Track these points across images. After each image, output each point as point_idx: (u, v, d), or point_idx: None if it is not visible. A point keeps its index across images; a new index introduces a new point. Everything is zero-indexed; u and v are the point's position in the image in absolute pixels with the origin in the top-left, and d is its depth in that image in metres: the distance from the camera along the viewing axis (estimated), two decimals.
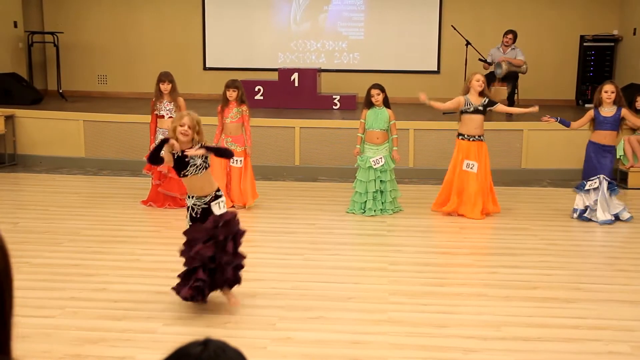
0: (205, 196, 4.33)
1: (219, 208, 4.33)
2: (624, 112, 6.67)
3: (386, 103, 6.95)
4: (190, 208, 4.36)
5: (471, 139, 6.83)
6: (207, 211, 4.31)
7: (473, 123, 6.82)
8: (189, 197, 4.39)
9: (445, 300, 4.69)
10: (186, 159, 4.28)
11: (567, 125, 6.95)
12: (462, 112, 6.87)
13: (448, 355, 3.84)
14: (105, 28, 12.27)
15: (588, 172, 6.77)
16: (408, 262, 5.52)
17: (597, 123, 6.73)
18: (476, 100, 6.83)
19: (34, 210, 7.00)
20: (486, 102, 6.84)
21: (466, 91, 6.90)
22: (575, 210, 6.86)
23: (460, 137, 6.91)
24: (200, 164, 4.31)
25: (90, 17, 12.27)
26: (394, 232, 6.48)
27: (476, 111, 6.82)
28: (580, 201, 6.84)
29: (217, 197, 4.36)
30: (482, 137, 6.88)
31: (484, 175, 6.86)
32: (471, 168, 6.81)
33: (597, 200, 6.69)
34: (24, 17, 11.66)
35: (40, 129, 9.53)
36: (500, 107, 7.06)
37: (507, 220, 6.83)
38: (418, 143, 8.99)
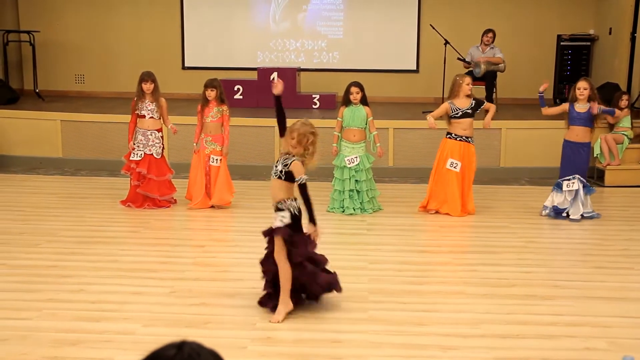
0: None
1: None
2: (591, 104, 6.64)
3: (364, 101, 6.97)
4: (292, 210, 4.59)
5: (458, 139, 6.87)
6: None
7: (461, 125, 6.85)
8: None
9: (424, 298, 4.71)
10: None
11: (542, 105, 6.92)
12: (450, 117, 6.89)
13: (427, 353, 3.86)
14: (82, 27, 12.15)
15: (564, 171, 6.83)
16: (388, 260, 5.54)
17: (571, 118, 6.78)
18: (463, 104, 6.84)
19: (10, 211, 6.92)
20: (473, 104, 6.87)
21: (455, 95, 6.86)
22: (545, 207, 6.95)
23: (447, 136, 6.94)
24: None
25: (67, 15, 12.13)
26: (373, 230, 6.50)
27: (465, 115, 6.84)
28: (550, 200, 6.93)
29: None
30: (470, 139, 6.90)
31: (465, 176, 6.90)
32: (455, 167, 6.84)
33: (572, 200, 6.79)
34: None
35: (16, 129, 9.41)
36: (487, 105, 7.05)
37: (486, 219, 6.87)
38: (397, 142, 9.01)
